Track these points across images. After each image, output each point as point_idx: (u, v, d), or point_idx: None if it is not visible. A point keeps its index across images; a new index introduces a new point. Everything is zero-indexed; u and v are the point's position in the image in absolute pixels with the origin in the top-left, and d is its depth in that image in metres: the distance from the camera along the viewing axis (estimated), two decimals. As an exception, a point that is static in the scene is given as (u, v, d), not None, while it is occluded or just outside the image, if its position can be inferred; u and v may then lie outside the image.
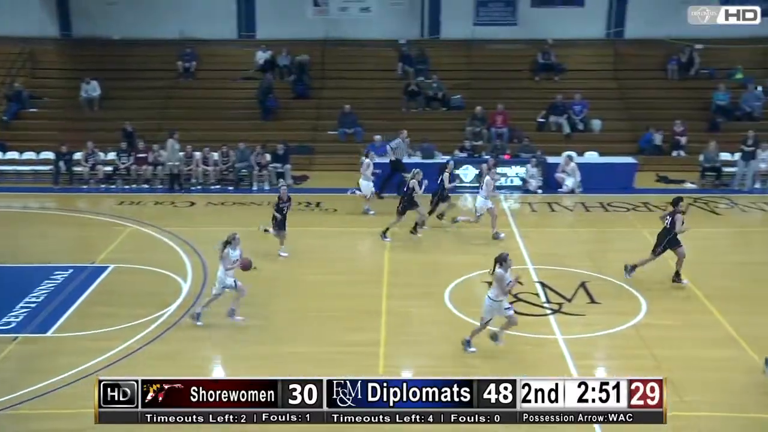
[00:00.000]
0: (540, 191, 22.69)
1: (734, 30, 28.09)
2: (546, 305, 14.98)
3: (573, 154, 23.76)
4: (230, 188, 23.69)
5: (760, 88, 26.57)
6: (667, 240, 15.63)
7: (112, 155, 24.69)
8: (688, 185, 23.26)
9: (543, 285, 15.82)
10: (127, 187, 23.92)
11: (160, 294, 15.26)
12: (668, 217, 15.65)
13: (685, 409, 11.33)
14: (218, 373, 12.70)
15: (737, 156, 23.65)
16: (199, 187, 23.59)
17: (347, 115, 26.21)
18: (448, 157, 22.51)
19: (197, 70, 28.71)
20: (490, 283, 12.97)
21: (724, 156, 23.92)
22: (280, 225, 17.33)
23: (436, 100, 27.14)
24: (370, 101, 27.30)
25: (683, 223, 15.57)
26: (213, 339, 13.69)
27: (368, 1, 29.34)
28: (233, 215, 21.15)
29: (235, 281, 13.87)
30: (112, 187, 23.98)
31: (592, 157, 24.15)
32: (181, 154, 23.81)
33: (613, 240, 19.31)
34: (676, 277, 15.83)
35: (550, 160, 23.39)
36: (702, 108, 26.70)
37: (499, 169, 22.99)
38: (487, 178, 18.62)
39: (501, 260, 12.49)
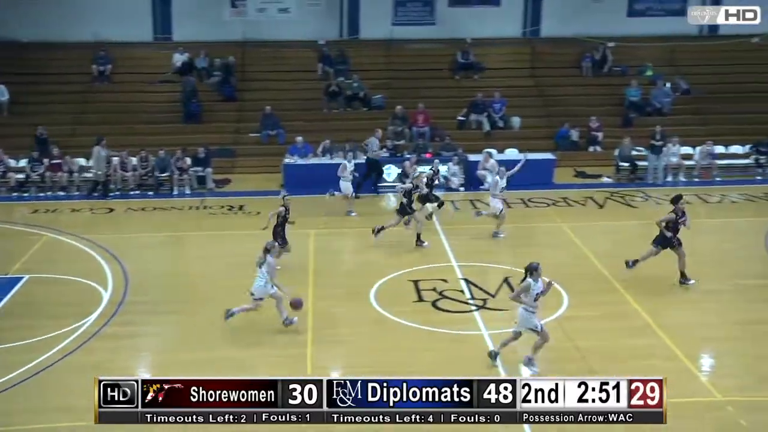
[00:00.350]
0: (462, 189, 22.95)
1: (643, 28, 29.10)
2: (471, 301, 15.15)
3: (493, 151, 24.10)
4: (150, 193, 23.24)
5: (668, 85, 27.43)
6: (671, 238, 15.66)
7: (23, 162, 23.92)
8: (605, 179, 23.85)
9: (467, 281, 15.99)
10: (41, 194, 23.21)
11: (79, 304, 14.86)
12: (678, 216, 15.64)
13: (608, 398, 11.59)
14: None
15: (647, 151, 24.37)
16: (117, 192, 23.05)
17: (269, 117, 26.02)
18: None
19: (113, 74, 28.06)
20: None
21: (639, 150, 24.58)
22: (284, 238, 16.37)
23: (357, 100, 27.17)
24: (291, 102, 27.17)
25: (685, 218, 15.74)
26: (137, 347, 13.43)
27: (286, 2, 29.16)
28: (154, 221, 20.78)
29: (275, 289, 13.67)
30: (25, 195, 23.23)
31: (512, 153, 24.53)
32: (116, 160, 23.18)
33: (535, 235, 19.66)
34: (683, 278, 15.82)
35: (472, 157, 23.67)
36: (616, 104, 27.42)
37: (420, 168, 23.18)
38: (496, 177, 18.74)
39: (531, 270, 12.09)
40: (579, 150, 25.59)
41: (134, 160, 23.44)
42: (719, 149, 24.85)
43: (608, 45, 28.45)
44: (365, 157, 22.66)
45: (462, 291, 15.62)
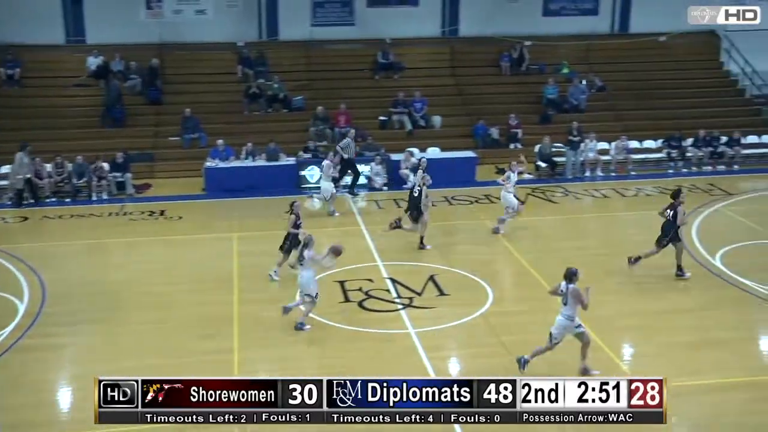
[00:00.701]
0: (385, 188, 23.02)
1: (558, 27, 29.71)
2: (397, 300, 15.20)
3: (415, 150, 24.24)
4: (67, 200, 22.58)
5: (584, 82, 28.06)
6: (674, 232, 15.79)
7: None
8: (526, 176, 24.22)
9: (393, 281, 16.04)
10: (-51, 204, 22.33)
11: (-7, 316, 14.35)
12: (669, 210, 15.80)
13: (534, 391, 11.79)
14: (64, 395, 12.09)
15: (566, 147, 24.89)
16: (32, 201, 22.29)
17: (189, 120, 25.60)
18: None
19: (23, 78, 27.14)
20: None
21: (558, 146, 25.07)
22: (294, 243, 15.80)
23: (277, 102, 26.97)
24: (211, 105, 26.79)
25: (684, 214, 15.86)
26: (56, 359, 13.03)
27: (203, 4, 28.74)
28: (72, 228, 20.21)
29: (317, 293, 13.66)
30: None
31: (434, 152, 24.71)
32: (49, 167, 22.42)
33: (459, 232, 19.85)
34: (679, 271, 16.01)
35: (394, 157, 23.76)
36: (534, 102, 27.90)
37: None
38: (509, 173, 18.70)
39: (571, 275, 11.82)
40: (500, 147, 25.95)
41: (48, 167, 22.73)
42: (633, 144, 25.55)
43: (525, 44, 28.93)
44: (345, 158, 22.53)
45: (388, 290, 15.66)
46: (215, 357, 12.80)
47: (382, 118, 26.80)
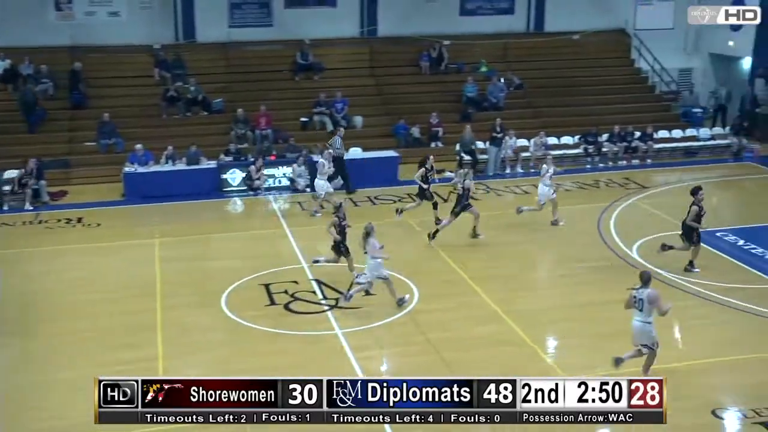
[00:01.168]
0: (309, 190, 22.92)
1: (475, 26, 30.11)
2: (323, 302, 15.18)
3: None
4: (-23, 210, 21.78)
5: (502, 80, 28.51)
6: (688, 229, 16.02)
7: None
8: (448, 174, 24.45)
9: (319, 282, 16.01)
10: None
11: None
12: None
13: (461, 387, 11.93)
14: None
15: (488, 144, 25.25)
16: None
17: (106, 125, 24.99)
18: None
19: (-77, 83, 26.05)
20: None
21: (478, 144, 25.40)
22: (340, 247, 15.78)
23: (196, 105, 26.58)
24: (128, 109, 26.20)
25: (699, 213, 15.94)
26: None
27: (116, 5, 28.09)
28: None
29: (387, 274, 14.38)
30: None
31: (356, 152, 24.75)
32: None
33: (384, 232, 19.81)
34: (690, 266, 16.30)
35: (317, 158, 23.65)
36: (454, 100, 28.21)
37: (266, 171, 23.03)
38: (545, 166, 19.05)
39: (648, 279, 11.60)
40: (421, 146, 26.13)
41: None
42: (552, 140, 26.06)
43: (444, 43, 29.22)
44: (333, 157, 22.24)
45: (314, 292, 15.62)
46: (139, 366, 12.55)
47: (303, 119, 26.69)
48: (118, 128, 25.19)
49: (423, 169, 19.16)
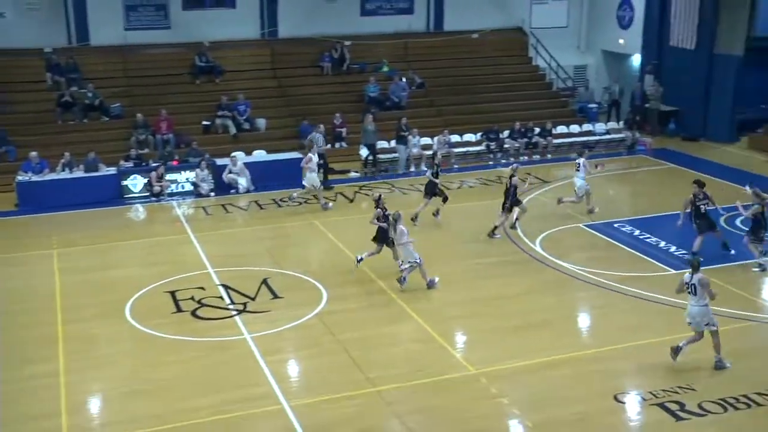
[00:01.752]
0: (213, 194, 22.59)
1: (376, 26, 30.27)
2: (231, 307, 15.01)
3: (240, 153, 23.99)
4: None
5: (404, 80, 28.75)
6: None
7: None
8: (353, 174, 24.55)
9: (226, 287, 15.81)
10: None
11: None
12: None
13: (370, 386, 12.00)
14: None
15: (393, 143, 25.40)
16: None
17: (-5, 133, 24.02)
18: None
19: None
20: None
21: (382, 144, 25.54)
22: (387, 237, 16.21)
23: (94, 110, 25.82)
24: (20, 116, 25.24)
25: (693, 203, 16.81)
26: None
27: (2, 6, 26.92)
28: None
29: (418, 257, 15.32)
30: None
31: (260, 155, 24.51)
32: None
33: (290, 234, 19.82)
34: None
35: (220, 162, 23.39)
36: (357, 100, 28.27)
37: (169, 176, 22.60)
38: (582, 159, 19.71)
39: (698, 265, 12.11)
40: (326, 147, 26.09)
41: None
42: (455, 138, 26.42)
43: (345, 44, 29.25)
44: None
45: (221, 297, 15.43)
46: (41, 382, 12.17)
47: (205, 122, 26.27)
48: (9, 136, 24.24)
49: (435, 167, 19.77)
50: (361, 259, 16.36)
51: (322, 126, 24.15)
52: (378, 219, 16.38)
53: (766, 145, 26.19)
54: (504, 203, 18.57)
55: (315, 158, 21.28)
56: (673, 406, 11.30)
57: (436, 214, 19.76)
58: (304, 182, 21.17)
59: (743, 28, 26.92)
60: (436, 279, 15.66)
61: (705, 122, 28.24)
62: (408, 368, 12.56)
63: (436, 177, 19.68)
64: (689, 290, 12.22)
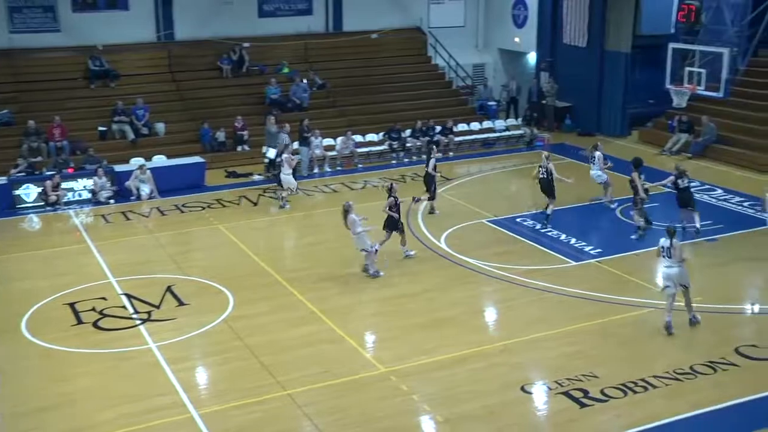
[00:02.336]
0: (112, 201, 21.98)
1: (274, 27, 30.05)
2: (134, 316, 14.65)
3: (140, 159, 23.40)
4: None
5: (305, 81, 28.65)
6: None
7: None
8: (256, 177, 24.30)
9: (129, 296, 15.43)
10: None
11: None
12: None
13: (280, 390, 11.93)
14: None
15: (296, 144, 25.22)
16: None
17: None
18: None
19: None
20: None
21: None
22: (398, 225, 17.03)
23: (-20, 118, 24.76)
24: None
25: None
26: None
27: None
28: None
29: (371, 244, 15.87)
30: None
31: (160, 160, 24.00)
32: None
33: (193, 240, 19.50)
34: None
35: (119, 168, 22.79)
36: (258, 103, 27.99)
37: (65, 184, 21.88)
38: (598, 153, 20.15)
39: (673, 232, 13.32)
40: (228, 151, 25.78)
41: None
42: (357, 138, 26.48)
43: (244, 45, 28.93)
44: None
45: (124, 307, 15.04)
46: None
47: (101, 128, 25.53)
48: None
49: (433, 160, 20.20)
50: (377, 249, 16.46)
51: (288, 125, 24.10)
52: (390, 208, 16.83)
53: (655, 139, 27.27)
54: (548, 195, 19.25)
55: (296, 158, 21.89)
56: (578, 394, 11.65)
57: (432, 211, 20.22)
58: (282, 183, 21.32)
59: (629, 27, 27.96)
60: (382, 273, 16.12)
61: (599, 117, 29.17)
62: (318, 370, 12.54)
63: (435, 170, 20.20)
64: (664, 254, 13.28)
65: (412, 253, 17.18)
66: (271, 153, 23.69)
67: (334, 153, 25.64)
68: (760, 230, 18.59)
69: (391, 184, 17.48)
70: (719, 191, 21.40)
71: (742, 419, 11.03)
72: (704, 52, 24.90)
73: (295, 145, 24.53)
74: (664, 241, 13.38)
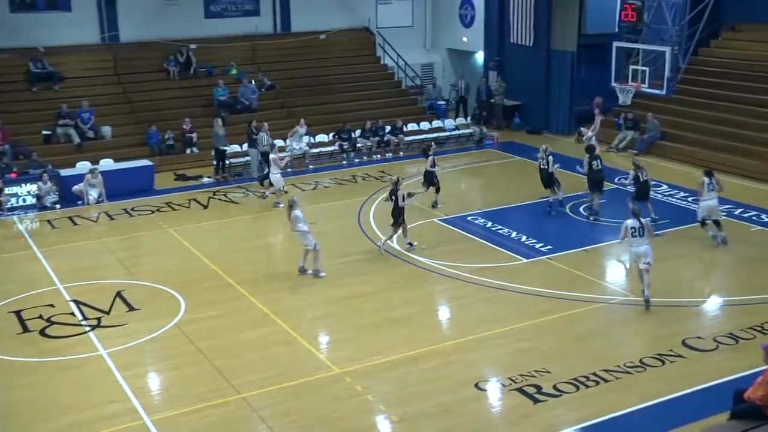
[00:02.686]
0: (58, 206, 21.58)
1: (221, 28, 29.81)
2: (83, 323, 14.40)
3: (86, 163, 23.00)
4: None
5: (253, 82, 28.47)
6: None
7: None
8: (206, 180, 24.07)
9: (77, 302, 15.16)
10: None
11: None
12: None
13: (235, 393, 11.85)
14: None
15: (247, 146, 25.01)
16: None
17: None
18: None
19: None
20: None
21: (234, 147, 25.11)
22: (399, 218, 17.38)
23: None
24: None
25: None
26: None
27: None
28: None
29: (315, 243, 15.97)
30: None
31: (108, 164, 23.61)
32: None
33: (143, 244, 19.24)
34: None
35: (64, 173, 22.38)
36: (206, 104, 27.73)
37: (8, 189, 21.41)
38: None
39: (638, 213, 14.37)
40: (177, 153, 25.48)
41: None
42: (306, 139, 26.33)
43: (191, 47, 28.63)
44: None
45: (72, 313, 14.78)
46: None
47: (45, 132, 25.02)
48: None
49: (431, 157, 20.50)
50: (382, 245, 17.21)
51: (266, 124, 24.01)
52: (403, 198, 17.33)
53: (600, 136, 27.61)
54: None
55: (282, 155, 22.13)
56: (531, 390, 11.77)
57: (435, 204, 20.47)
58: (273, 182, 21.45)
59: (575, 26, 28.36)
60: (323, 274, 16.15)
61: (547, 115, 29.55)
62: (273, 372, 12.48)
63: (433, 166, 20.42)
64: (636, 234, 14.16)
65: (415, 243, 17.68)
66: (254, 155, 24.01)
67: (284, 154, 25.35)
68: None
69: (398, 179, 17.88)
70: (665, 187, 21.82)
71: (688, 409, 11.25)
72: (647, 51, 25.42)
73: (243, 147, 24.43)
74: (633, 222, 14.22)
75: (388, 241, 17.59)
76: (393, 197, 17.41)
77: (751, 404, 9.81)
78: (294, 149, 25.05)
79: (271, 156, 21.47)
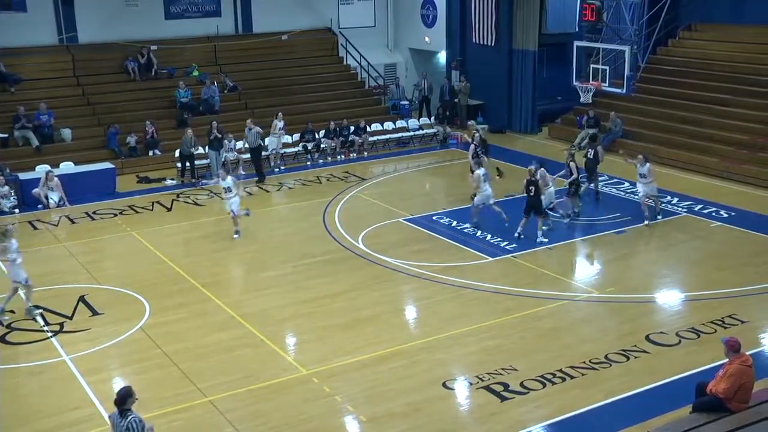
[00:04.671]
0: (17, 211, 21.23)
1: (182, 29, 29.56)
2: (45, 328, 14.20)
3: (45, 166, 22.67)
4: None
5: (216, 83, 28.26)
6: None
7: None
8: (169, 182, 23.85)
9: (39, 308, 14.93)
10: None
11: None
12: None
13: (202, 396, 11.77)
14: None
15: (207, 148, 24.81)
16: None
17: None
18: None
19: None
20: None
21: (199, 150, 24.92)
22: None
23: None
24: None
25: None
26: None
27: None
28: None
29: (26, 278, 14.56)
30: None
31: (68, 167, 23.29)
32: None
33: (106, 247, 19.00)
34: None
35: (23, 176, 22.03)
36: (168, 106, 27.48)
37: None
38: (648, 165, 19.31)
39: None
40: (139, 156, 25.22)
41: None
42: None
43: (152, 48, 28.35)
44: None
45: (34, 319, 14.55)
46: None
47: (2, 135, 24.61)
48: None
49: (473, 145, 21.01)
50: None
51: (250, 119, 24.31)
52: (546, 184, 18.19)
53: (563, 134, 27.97)
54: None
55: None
56: (498, 387, 11.85)
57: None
58: None
59: (536, 26, 28.61)
60: (37, 312, 14.68)
61: (510, 115, 29.76)
62: (240, 375, 12.41)
63: (487, 153, 21.14)
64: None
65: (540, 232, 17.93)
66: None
67: (248, 156, 25.21)
68: (665, 221, 19.26)
69: (535, 168, 18.02)
70: (627, 184, 22.07)
71: (652, 404, 11.41)
72: (607, 50, 25.74)
73: (205, 149, 24.24)
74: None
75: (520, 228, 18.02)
76: (532, 188, 17.61)
77: (713, 397, 10.00)
78: (275, 149, 25.15)
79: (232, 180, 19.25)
